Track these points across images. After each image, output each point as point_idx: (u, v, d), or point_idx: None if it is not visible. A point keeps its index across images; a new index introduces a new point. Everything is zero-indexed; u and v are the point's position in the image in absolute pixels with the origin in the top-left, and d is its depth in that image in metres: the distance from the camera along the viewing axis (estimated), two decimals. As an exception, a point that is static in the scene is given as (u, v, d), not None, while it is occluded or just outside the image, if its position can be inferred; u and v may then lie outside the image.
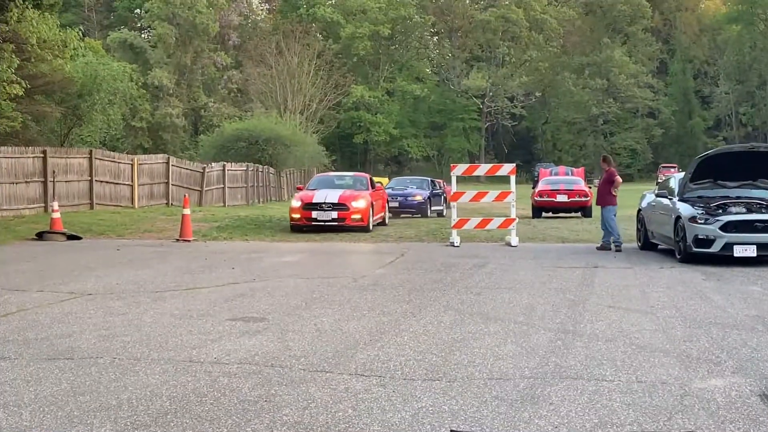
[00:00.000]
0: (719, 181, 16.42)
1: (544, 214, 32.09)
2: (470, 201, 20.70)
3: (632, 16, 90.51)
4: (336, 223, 22.48)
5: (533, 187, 36.90)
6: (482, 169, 23.12)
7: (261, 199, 44.65)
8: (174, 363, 7.50)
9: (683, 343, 8.45)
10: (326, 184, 25.31)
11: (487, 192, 20.91)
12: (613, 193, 18.72)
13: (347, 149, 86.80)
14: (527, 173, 67.34)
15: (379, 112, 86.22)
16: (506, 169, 20.24)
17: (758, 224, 14.95)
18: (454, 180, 19.88)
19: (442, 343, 8.46)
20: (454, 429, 1.76)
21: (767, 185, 16.40)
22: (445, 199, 35.07)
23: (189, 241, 20.45)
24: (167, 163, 36.30)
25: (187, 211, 21.18)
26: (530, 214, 31.73)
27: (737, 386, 6.72)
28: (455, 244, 19.12)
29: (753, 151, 16.92)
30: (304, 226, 22.77)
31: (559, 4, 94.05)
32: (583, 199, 31.01)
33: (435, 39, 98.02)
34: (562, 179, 35.07)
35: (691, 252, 15.14)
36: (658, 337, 8.81)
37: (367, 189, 24.51)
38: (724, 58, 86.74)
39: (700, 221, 15.01)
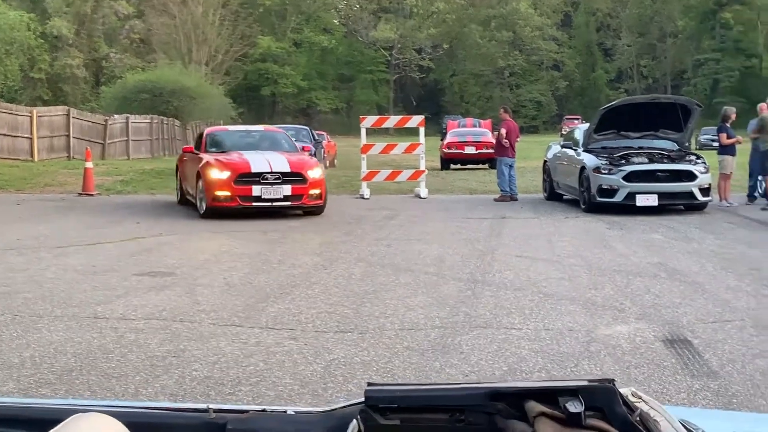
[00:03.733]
0: (623, 132, 16.69)
1: (452, 165, 32.27)
2: (380, 153, 20.66)
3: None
4: (289, 203, 15.16)
5: (441, 139, 36.98)
6: (391, 121, 22.97)
7: (166, 152, 43.81)
8: (78, 319, 7.32)
9: (588, 290, 8.62)
10: (236, 143, 17.20)
11: (396, 144, 20.90)
12: (504, 144, 18.80)
13: (254, 101, 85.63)
14: (435, 125, 67.45)
15: (287, 63, 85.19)
16: (415, 120, 20.25)
17: (660, 174, 15.29)
18: (363, 132, 19.78)
19: (353, 295, 8.45)
20: (371, 382, 1.69)
21: (668, 136, 16.74)
22: (324, 153, 30.31)
23: (92, 195, 19.93)
24: (68, 115, 35.21)
25: (89, 165, 20.61)
26: (439, 166, 31.86)
27: (641, 332, 6.87)
28: (365, 197, 19.07)
29: (655, 102, 17.29)
30: (238, 209, 14.97)
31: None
32: (491, 150, 31.24)
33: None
34: (469, 131, 35.29)
35: (595, 202, 15.40)
36: (564, 285, 8.97)
37: (298, 151, 17.36)
38: (626, 11, 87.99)
39: (603, 171, 15.27)
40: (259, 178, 14.84)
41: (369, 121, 20.36)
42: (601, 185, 15.27)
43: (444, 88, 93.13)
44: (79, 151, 32.26)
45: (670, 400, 5.21)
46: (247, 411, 1.74)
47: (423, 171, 19.62)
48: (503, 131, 18.94)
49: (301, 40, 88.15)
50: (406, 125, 21.18)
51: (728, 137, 17.17)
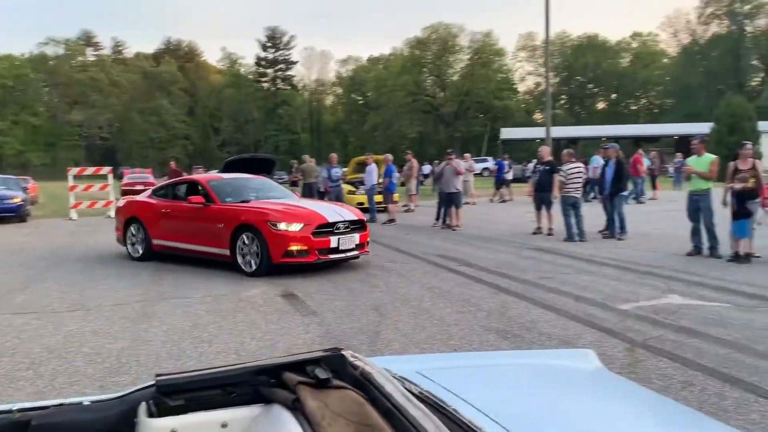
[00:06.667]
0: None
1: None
2: (83, 191, 17.53)
3: (171, 80, 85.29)
4: (357, 252, 7.77)
5: (120, 181, 32.78)
6: (90, 170, 19.65)
7: None
8: None
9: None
10: (246, 191, 8.95)
11: (93, 185, 17.97)
12: None
13: (-14, 161, 69.51)
14: (115, 174, 60.02)
15: (9, 136, 70.80)
16: (106, 170, 17.66)
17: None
18: (70, 178, 16.61)
19: (77, 284, 6.93)
20: (159, 373, 1.09)
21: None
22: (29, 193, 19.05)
23: None
24: None
25: None
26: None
27: (267, 292, 6.44)
28: (73, 218, 16.07)
29: (254, 158, 16.83)
30: (315, 264, 7.39)
31: (128, 71, 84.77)
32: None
33: (47, 89, 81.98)
34: (139, 175, 31.90)
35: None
36: (225, 268, 8.15)
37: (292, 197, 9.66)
38: (224, 106, 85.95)
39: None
40: (332, 228, 7.53)
41: (74, 170, 17.25)
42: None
43: (119, 150, 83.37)
44: None
45: (291, 332, 4.80)
46: (47, 407, 1.15)
47: (111, 201, 17.03)
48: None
49: (18, 120, 73.44)
50: (100, 173, 18.32)
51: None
